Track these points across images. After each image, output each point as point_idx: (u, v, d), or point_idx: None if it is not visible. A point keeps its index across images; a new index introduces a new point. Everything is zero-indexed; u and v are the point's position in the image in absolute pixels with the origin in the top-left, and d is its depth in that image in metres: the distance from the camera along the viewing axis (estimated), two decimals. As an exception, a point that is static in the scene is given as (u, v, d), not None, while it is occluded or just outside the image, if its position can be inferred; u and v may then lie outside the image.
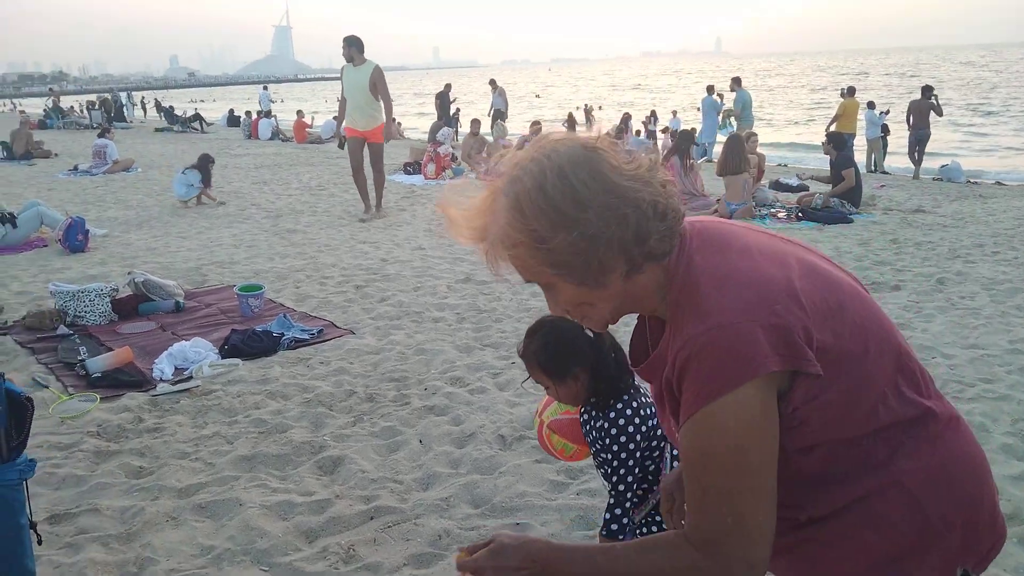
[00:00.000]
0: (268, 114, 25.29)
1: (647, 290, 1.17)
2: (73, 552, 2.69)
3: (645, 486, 2.05)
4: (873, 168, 15.96)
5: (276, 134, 23.67)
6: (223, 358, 4.57)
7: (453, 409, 3.87)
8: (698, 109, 18.98)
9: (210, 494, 3.08)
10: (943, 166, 14.77)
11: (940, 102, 15.39)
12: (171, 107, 35.27)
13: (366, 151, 9.23)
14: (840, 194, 9.15)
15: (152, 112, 42.12)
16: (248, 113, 26.40)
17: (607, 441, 1.98)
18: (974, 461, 1.21)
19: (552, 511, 2.92)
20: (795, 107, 40.69)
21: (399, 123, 22.45)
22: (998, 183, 13.99)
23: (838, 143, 9.89)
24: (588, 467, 3.25)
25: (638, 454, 1.99)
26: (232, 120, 31.16)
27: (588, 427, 2.08)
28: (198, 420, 3.80)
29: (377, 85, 8.75)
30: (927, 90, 15.36)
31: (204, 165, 10.61)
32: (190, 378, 4.30)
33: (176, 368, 4.42)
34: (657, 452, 2.04)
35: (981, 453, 1.24)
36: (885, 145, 16.49)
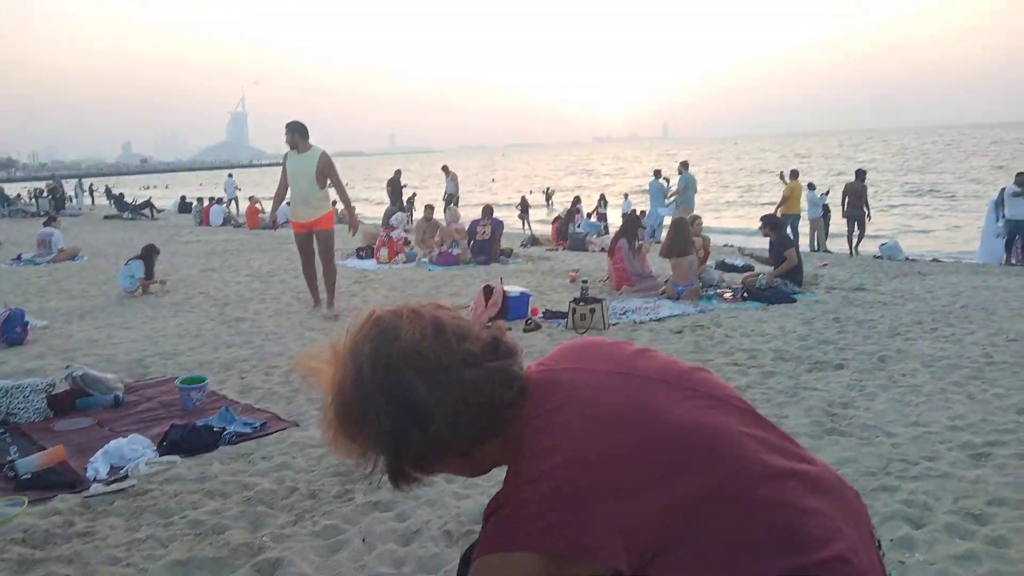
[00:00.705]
0: (221, 200, 25.28)
1: (498, 454, 1.28)
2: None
3: None
4: (816, 247, 16.48)
5: (228, 220, 23.63)
6: (161, 455, 4.41)
7: (398, 504, 3.77)
8: (646, 191, 19.48)
9: (139, 604, 2.93)
10: (883, 244, 15.33)
11: (867, 181, 16.16)
12: (121, 194, 35.07)
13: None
14: (783, 274, 9.40)
15: (101, 199, 41.82)
16: (200, 199, 26.35)
17: None
18: None
19: (497, 611, 2.83)
20: (732, 189, 42.17)
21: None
22: (935, 260, 14.53)
23: (774, 225, 10.21)
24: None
25: None
26: (183, 206, 31.08)
27: None
28: (132, 522, 3.64)
29: (327, 173, 8.39)
30: (860, 173, 16.14)
31: (148, 256, 10.51)
32: (126, 477, 4.13)
33: (112, 467, 4.25)
34: None
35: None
36: (827, 224, 17.09)
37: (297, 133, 8.39)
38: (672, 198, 16.97)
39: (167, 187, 69.94)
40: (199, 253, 15.43)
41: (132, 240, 18.34)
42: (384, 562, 3.24)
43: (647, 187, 18.94)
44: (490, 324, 1.36)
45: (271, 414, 5.18)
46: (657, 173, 18.51)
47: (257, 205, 23.60)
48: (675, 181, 17.54)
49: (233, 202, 25.24)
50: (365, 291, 10.34)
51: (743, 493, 1.14)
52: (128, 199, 32.51)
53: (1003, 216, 13.88)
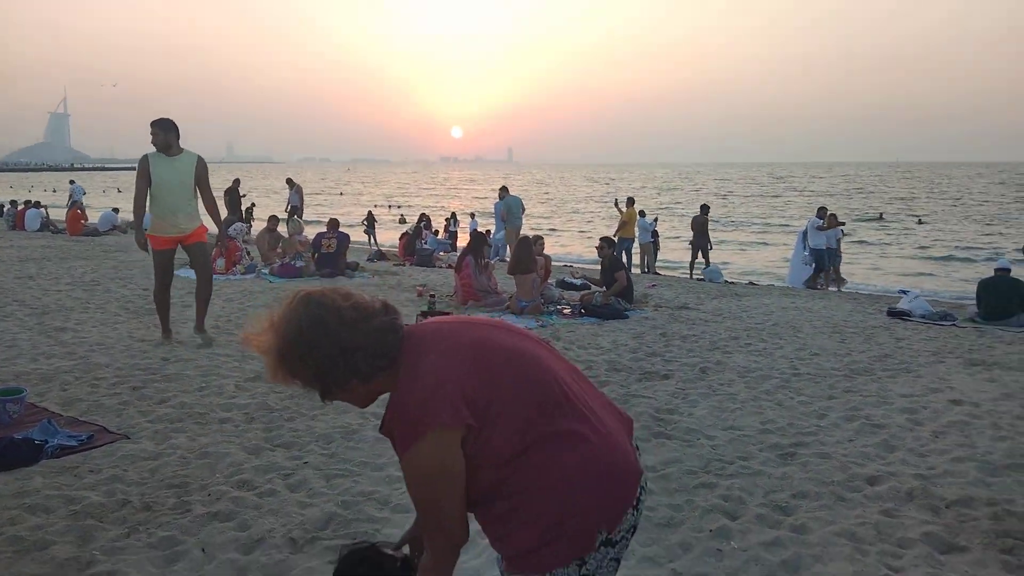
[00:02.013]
0: (38, 204, 23.31)
1: (383, 385, 1.77)
2: None
3: None
4: (646, 269, 17.45)
5: (46, 225, 21.83)
6: (-28, 471, 4.08)
7: (239, 514, 3.70)
8: (491, 213, 19.86)
9: (-50, 625, 2.72)
10: (706, 268, 16.46)
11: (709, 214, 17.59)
12: (-84, 193, 31.50)
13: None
14: (616, 293, 9.92)
15: None
16: (13, 202, 24.17)
17: None
18: (600, 468, 1.72)
19: (344, 611, 2.86)
20: (557, 216, 43.93)
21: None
22: (751, 283, 15.77)
23: (612, 244, 10.81)
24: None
25: None
26: (-8, 209, 28.37)
27: None
28: (-62, 542, 3.36)
29: (201, 181, 7.28)
30: (704, 208, 17.75)
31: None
32: (-71, 495, 3.79)
33: (-89, 485, 3.89)
34: None
35: (610, 459, 1.74)
36: (656, 249, 18.16)
37: (171, 133, 7.19)
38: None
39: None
40: (13, 259, 14.17)
41: (-71, 243, 16.60)
42: (225, 570, 3.19)
43: (492, 208, 19.39)
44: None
45: (99, 426, 4.90)
46: (502, 194, 19.01)
47: (79, 210, 21.99)
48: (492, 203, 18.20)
49: (79, 207, 23.27)
50: (201, 302, 9.89)
51: (540, 380, 1.76)
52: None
53: (807, 247, 15.36)
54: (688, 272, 17.11)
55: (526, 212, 18.23)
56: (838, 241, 15.15)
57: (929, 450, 4.74)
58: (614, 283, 9.98)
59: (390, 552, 2.04)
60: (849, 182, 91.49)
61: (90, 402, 5.44)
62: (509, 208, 17.22)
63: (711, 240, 17.53)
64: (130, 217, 23.60)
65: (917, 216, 38.51)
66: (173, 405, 5.39)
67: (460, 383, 1.67)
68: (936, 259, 23.31)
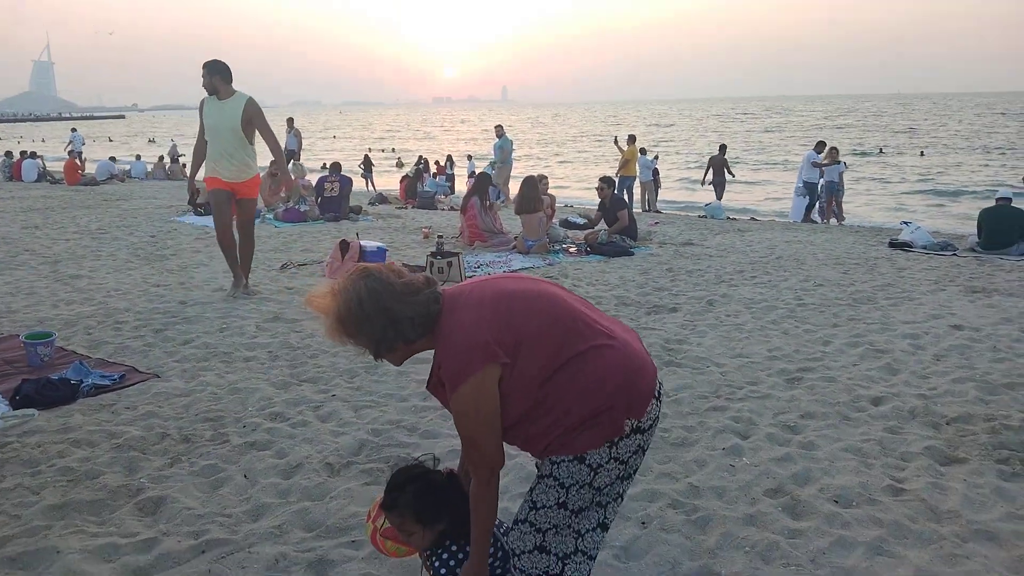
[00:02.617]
0: (35, 155, 23.19)
1: (423, 345, 2.06)
2: None
3: None
4: (647, 207, 17.50)
5: (44, 175, 21.77)
6: (15, 409, 4.25)
7: (276, 443, 3.89)
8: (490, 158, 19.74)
9: (20, 546, 2.91)
10: (707, 204, 16.52)
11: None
12: (-91, 145, 31.27)
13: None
14: (618, 232, 10.02)
15: None
16: (8, 153, 24.03)
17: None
18: (622, 366, 1.99)
19: (385, 526, 3.06)
20: (561, 154, 43.59)
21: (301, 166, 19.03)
22: (752, 218, 15.86)
23: (612, 183, 10.86)
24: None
25: None
26: (-13, 161, 28.22)
27: (429, 561, 2.24)
28: (-7, 474, 3.54)
29: (255, 123, 6.91)
30: (722, 148, 17.70)
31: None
32: (-22, 432, 3.97)
33: (-40, 423, 4.06)
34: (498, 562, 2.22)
35: (629, 360, 2.00)
36: (657, 186, 18.18)
37: (217, 75, 6.82)
38: (494, 164, 17.53)
39: (-38, 140, 62.81)
40: (15, 210, 14.21)
41: (-69, 196, 16.60)
42: (269, 493, 3.38)
43: (487, 150, 19.34)
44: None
45: (128, 367, 5.07)
46: (499, 132, 18.92)
47: (77, 160, 21.90)
48: (492, 145, 18.11)
49: (77, 156, 23.14)
50: (209, 248, 9.99)
51: (558, 316, 2.01)
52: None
53: (802, 180, 15.42)
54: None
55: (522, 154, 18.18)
56: (840, 175, 15.17)
57: (930, 372, 4.92)
58: (616, 222, 10.07)
59: (438, 468, 2.23)
60: (849, 115, 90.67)
61: (115, 344, 5.60)
62: (502, 149, 17.19)
63: (730, 176, 17.55)
64: (127, 167, 23.64)
65: (920, 149, 38.32)
66: (197, 346, 5.56)
67: (490, 330, 1.93)
68: (937, 193, 23.31)
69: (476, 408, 1.93)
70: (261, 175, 8.87)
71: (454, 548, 2.17)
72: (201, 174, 7.27)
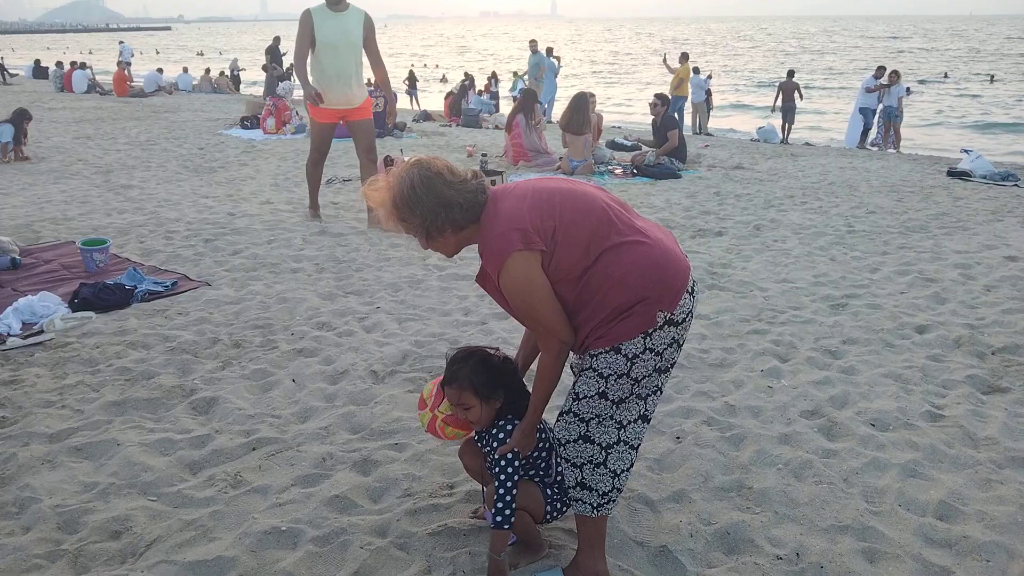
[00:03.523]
0: (84, 65, 23.38)
1: (471, 234, 2.17)
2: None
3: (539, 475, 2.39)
4: (698, 130, 17.10)
5: (93, 87, 22.00)
6: (74, 312, 4.43)
7: (323, 351, 4.01)
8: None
9: (84, 437, 3.08)
10: (760, 128, 16.08)
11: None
12: (-35, 55, 31.70)
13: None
14: (667, 153, 9.84)
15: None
16: (59, 64, 24.26)
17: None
18: (655, 260, 2.07)
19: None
20: (606, 74, 42.42)
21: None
22: (807, 143, 15.44)
23: (667, 101, 10.60)
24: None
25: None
26: (39, 71, 28.55)
27: (485, 438, 2.37)
28: (57, 371, 3.72)
29: (369, 42, 6.34)
30: (791, 73, 17.01)
31: (18, 120, 9.84)
32: (41, 331, 4.16)
33: (24, 323, 4.25)
34: (545, 453, 2.36)
35: (662, 255, 2.08)
36: (709, 108, 17.71)
37: None
38: (523, 77, 17.13)
39: (13, 49, 63.49)
40: (68, 120, 14.45)
41: (-13, 105, 16.91)
42: (316, 397, 3.50)
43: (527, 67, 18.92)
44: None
45: (180, 275, 5.22)
46: (549, 51, 18.48)
47: (126, 72, 22.04)
48: (527, 60, 17.74)
49: (126, 68, 23.34)
50: (255, 161, 10.11)
51: (593, 209, 2.09)
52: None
53: (858, 105, 14.90)
54: (782, 136, 16.38)
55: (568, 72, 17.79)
56: (899, 99, 14.60)
57: (980, 302, 4.83)
58: (665, 142, 9.89)
59: (493, 351, 2.37)
60: (919, 36, 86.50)
61: (167, 253, 5.75)
62: (538, 66, 16.87)
63: (797, 103, 16.81)
64: (174, 80, 23.70)
65: (990, 74, 36.47)
66: (246, 256, 5.68)
67: (527, 218, 2.05)
68: (1001, 125, 22.18)
69: (522, 283, 2.03)
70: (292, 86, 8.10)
71: (509, 428, 2.28)
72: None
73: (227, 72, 26.13)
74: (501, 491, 2.20)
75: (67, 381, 3.61)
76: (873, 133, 14.81)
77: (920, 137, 18.28)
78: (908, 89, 15.49)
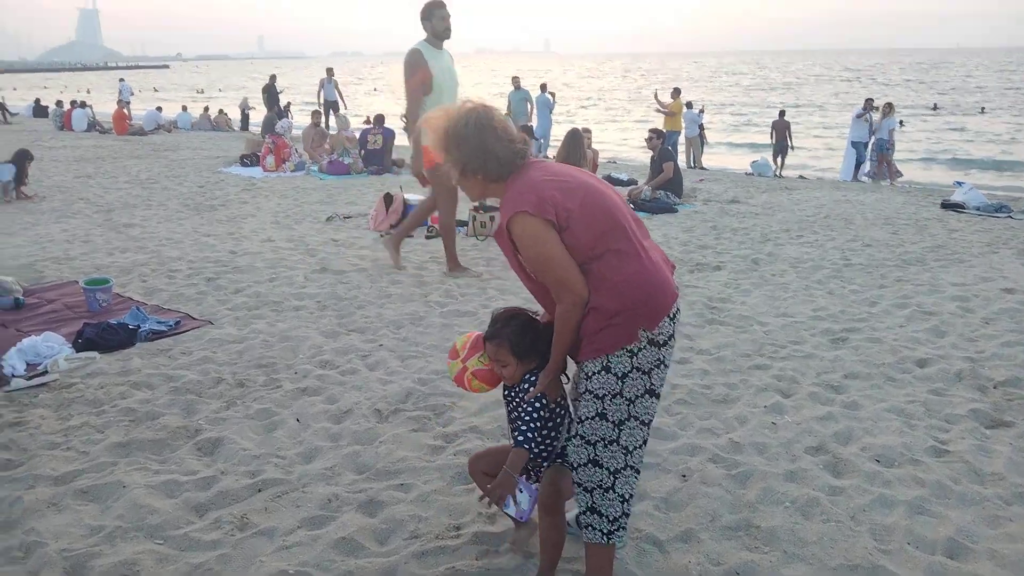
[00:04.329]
0: (84, 104, 23.58)
1: (498, 188, 2.33)
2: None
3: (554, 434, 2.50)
4: (692, 164, 17.26)
5: (93, 125, 22.16)
6: (78, 352, 4.44)
7: (326, 390, 4.01)
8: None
9: (89, 479, 3.08)
10: (754, 162, 16.25)
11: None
12: (-34, 95, 31.97)
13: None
14: (661, 185, 9.92)
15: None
16: (59, 103, 24.47)
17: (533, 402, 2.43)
18: (649, 278, 2.20)
19: (433, 471, 3.17)
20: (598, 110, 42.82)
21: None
22: (801, 176, 15.58)
23: (662, 135, 10.73)
24: (462, 431, 3.54)
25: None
26: (39, 110, 28.78)
27: (515, 393, 2.51)
28: (62, 412, 3.72)
29: None
30: (782, 112, 17.23)
31: (20, 161, 9.91)
32: (45, 372, 4.16)
33: (28, 364, 4.25)
34: (560, 416, 2.50)
35: (656, 276, 2.22)
36: (703, 142, 17.89)
37: (450, 18, 5.86)
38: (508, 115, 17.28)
39: (15, 88, 64.04)
40: (68, 159, 14.54)
41: (-13, 144, 17.02)
42: (320, 437, 3.50)
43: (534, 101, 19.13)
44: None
45: (183, 314, 5.23)
46: (543, 87, 18.72)
47: (125, 110, 22.24)
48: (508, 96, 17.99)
49: (125, 107, 23.57)
50: (256, 199, 10.17)
51: (610, 209, 2.23)
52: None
53: (850, 139, 15.11)
54: (775, 172, 16.50)
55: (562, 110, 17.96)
56: (891, 132, 14.78)
57: (979, 335, 4.86)
58: (660, 174, 9.97)
59: (535, 315, 2.53)
60: (904, 70, 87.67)
61: (170, 292, 5.77)
62: (515, 101, 17.09)
63: (792, 143, 16.96)
64: (173, 117, 23.86)
65: (981, 106, 36.86)
66: (248, 295, 5.70)
67: (548, 190, 2.20)
68: (992, 159, 22.19)
69: (534, 234, 2.18)
70: (332, 131, 7.92)
71: (534, 379, 2.43)
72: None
73: (224, 112, 26.35)
74: (525, 427, 2.37)
75: (72, 422, 3.61)
76: (867, 166, 14.98)
77: (912, 170, 18.44)
78: (901, 122, 15.70)
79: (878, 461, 3.29)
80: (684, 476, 3.17)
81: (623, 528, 2.30)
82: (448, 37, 5.86)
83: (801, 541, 2.72)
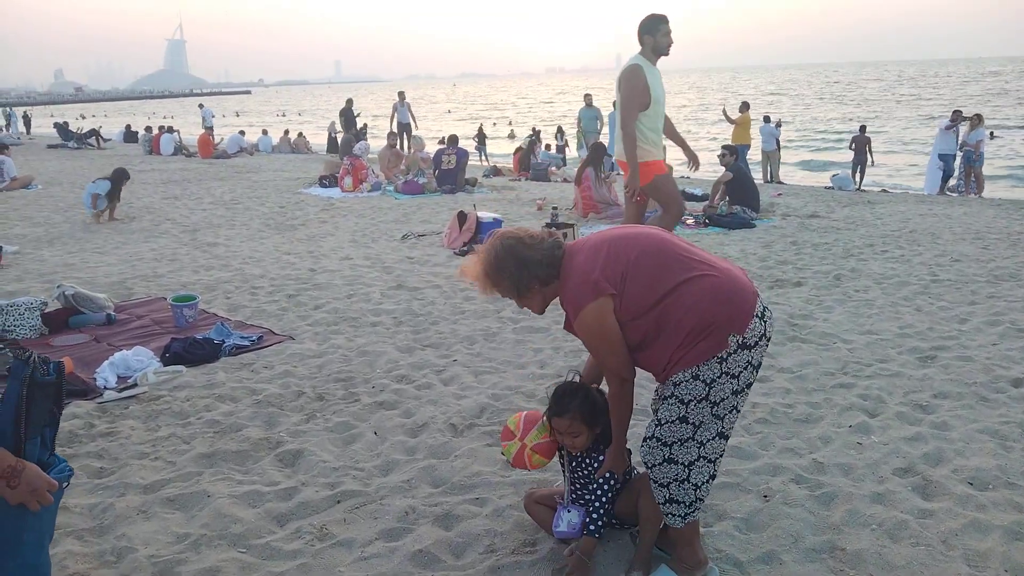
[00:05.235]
0: (172, 129, 24.65)
1: (555, 289, 2.47)
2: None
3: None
4: (769, 179, 16.93)
5: (179, 149, 23.13)
6: (165, 366, 4.61)
7: (403, 403, 4.06)
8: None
9: (176, 488, 3.18)
10: (834, 175, 15.83)
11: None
12: (65, 122, 33.85)
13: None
14: (739, 201, 9.73)
15: (38, 128, 40.42)
16: (148, 128, 25.65)
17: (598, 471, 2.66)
18: (723, 287, 2.29)
19: (507, 486, 3.17)
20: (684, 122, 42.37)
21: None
22: (883, 191, 15.10)
23: (735, 151, 10.56)
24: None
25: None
26: (129, 136, 30.22)
27: (583, 461, 2.70)
28: (150, 423, 3.87)
29: None
30: (863, 128, 16.88)
31: (118, 178, 10.38)
32: (135, 385, 4.34)
33: (119, 377, 4.44)
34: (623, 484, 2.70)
35: (729, 283, 2.30)
36: (779, 156, 17.54)
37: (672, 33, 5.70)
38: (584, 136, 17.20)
39: (106, 115, 67.45)
40: (156, 182, 15.21)
41: (83, 169, 17.95)
42: (397, 450, 3.55)
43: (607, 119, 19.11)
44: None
45: (265, 329, 5.39)
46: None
47: (210, 135, 23.15)
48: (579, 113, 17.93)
49: (209, 131, 24.64)
50: (334, 218, 10.43)
51: (658, 249, 2.35)
52: (72, 128, 31.46)
53: (937, 151, 14.57)
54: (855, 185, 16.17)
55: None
56: (979, 143, 14.21)
57: (1081, 354, 4.60)
58: (736, 192, 9.81)
59: (593, 387, 2.71)
60: (996, 80, 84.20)
61: (253, 308, 5.95)
62: (587, 119, 17.10)
63: (872, 158, 16.59)
64: (255, 141, 24.72)
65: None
66: (327, 311, 5.84)
67: (600, 269, 2.33)
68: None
69: (593, 330, 2.34)
70: (404, 151, 8.00)
71: (601, 459, 2.64)
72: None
73: (303, 136, 27.13)
74: (597, 504, 2.58)
75: (160, 433, 3.75)
76: (954, 180, 14.42)
77: (1002, 182, 17.67)
78: (991, 134, 15.08)
79: (971, 484, 3.13)
80: (765, 496, 3.08)
81: (699, 508, 2.43)
82: (668, 54, 5.69)
83: (889, 565, 2.61)
